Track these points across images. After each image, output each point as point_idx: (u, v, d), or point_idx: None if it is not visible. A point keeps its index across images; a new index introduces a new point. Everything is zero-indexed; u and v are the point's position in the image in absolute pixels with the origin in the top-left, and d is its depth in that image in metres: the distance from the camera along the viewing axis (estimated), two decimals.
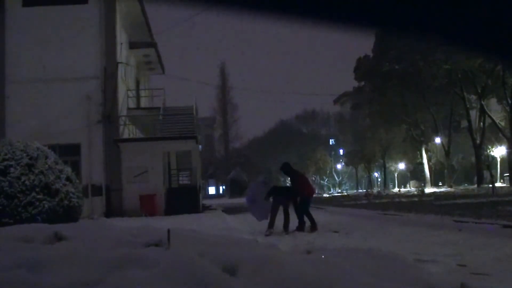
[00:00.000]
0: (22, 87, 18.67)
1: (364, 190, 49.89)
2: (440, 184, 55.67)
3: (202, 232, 5.36)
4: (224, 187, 79.29)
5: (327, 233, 9.76)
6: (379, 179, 73.35)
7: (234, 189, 68.15)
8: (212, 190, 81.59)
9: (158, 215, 17.63)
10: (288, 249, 4.78)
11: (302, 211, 10.44)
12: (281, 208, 10.38)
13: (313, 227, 10.24)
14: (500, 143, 48.71)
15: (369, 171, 68.00)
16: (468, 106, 44.21)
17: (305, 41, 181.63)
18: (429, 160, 53.91)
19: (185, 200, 19.46)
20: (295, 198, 10.56)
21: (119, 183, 18.96)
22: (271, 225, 10.05)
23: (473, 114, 45.54)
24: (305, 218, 10.38)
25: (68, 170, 10.53)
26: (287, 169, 10.83)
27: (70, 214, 9.82)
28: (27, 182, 9.36)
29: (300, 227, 10.26)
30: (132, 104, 22.24)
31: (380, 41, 43.27)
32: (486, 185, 35.19)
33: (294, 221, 10.32)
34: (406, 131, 54.50)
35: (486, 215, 10.62)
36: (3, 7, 19.00)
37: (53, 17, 19.16)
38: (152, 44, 24.61)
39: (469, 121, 44.10)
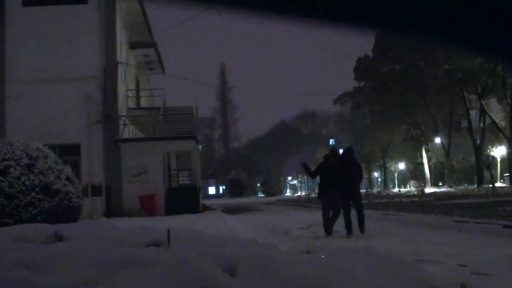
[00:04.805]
0: (22, 87, 18.66)
1: (364, 190, 49.87)
2: (440, 184, 55.61)
3: (202, 232, 5.35)
4: (224, 187, 79.29)
5: None
6: (379, 179, 73.32)
7: (234, 189, 68.16)
8: (212, 190, 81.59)
9: (158, 215, 17.62)
10: (288, 249, 4.78)
11: (360, 207, 9.43)
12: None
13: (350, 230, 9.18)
14: (500, 143, 48.65)
15: (369, 171, 67.96)
16: (468, 106, 44.17)
17: (305, 41, 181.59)
18: (429, 160, 53.88)
19: (185, 200, 19.45)
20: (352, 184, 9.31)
21: (119, 183, 18.96)
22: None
23: (473, 114, 45.49)
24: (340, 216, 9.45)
25: (68, 170, 10.52)
26: (351, 154, 9.69)
27: (70, 214, 9.80)
28: (27, 182, 9.35)
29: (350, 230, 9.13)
30: (132, 104, 22.24)
31: (380, 41, 43.20)
32: (486, 185, 35.17)
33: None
34: (406, 131, 54.47)
35: (486, 215, 10.62)
36: (3, 7, 18.99)
37: (53, 17, 19.16)
38: (152, 44, 24.62)
39: (469, 121, 44.08)
